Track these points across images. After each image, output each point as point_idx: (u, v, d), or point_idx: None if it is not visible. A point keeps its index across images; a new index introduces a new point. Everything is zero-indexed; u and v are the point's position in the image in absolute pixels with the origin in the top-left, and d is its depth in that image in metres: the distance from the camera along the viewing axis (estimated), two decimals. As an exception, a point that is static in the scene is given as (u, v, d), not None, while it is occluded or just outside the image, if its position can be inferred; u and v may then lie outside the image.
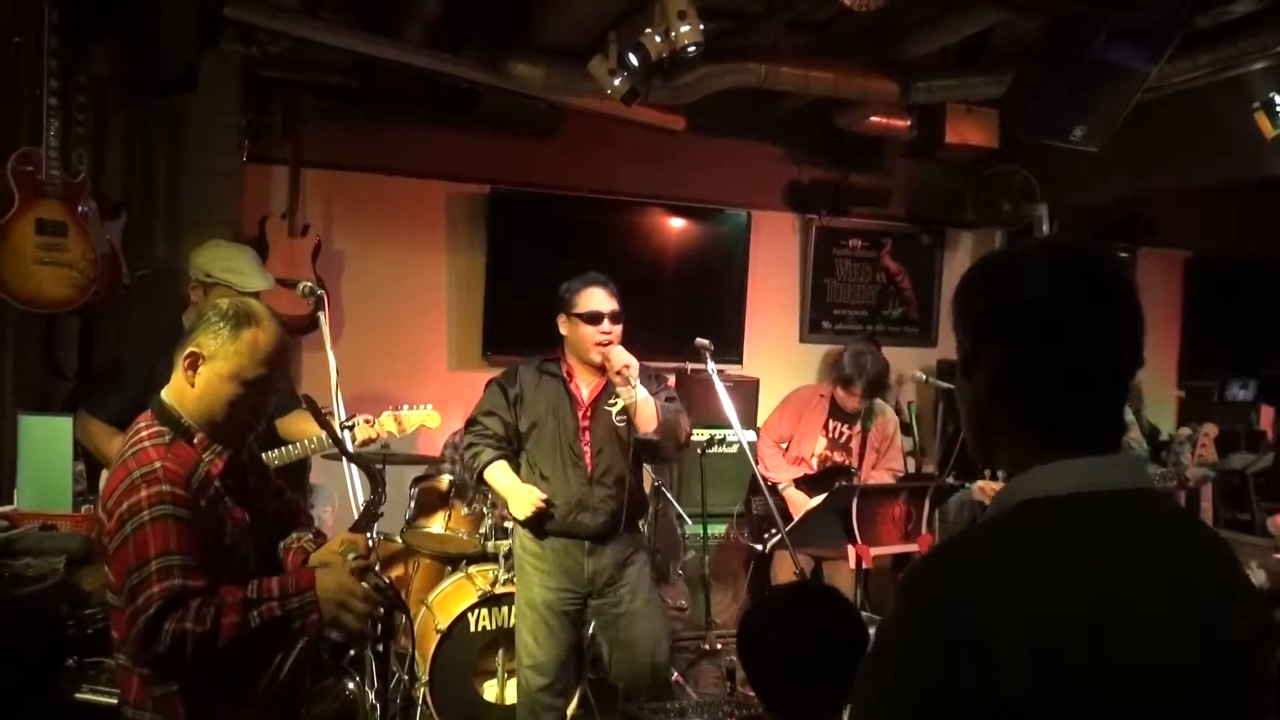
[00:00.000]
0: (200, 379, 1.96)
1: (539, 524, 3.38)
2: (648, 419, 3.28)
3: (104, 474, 2.65)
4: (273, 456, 3.42)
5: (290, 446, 3.49)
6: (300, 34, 4.31)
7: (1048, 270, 1.16)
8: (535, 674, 3.46)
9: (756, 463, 4.32)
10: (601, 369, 3.37)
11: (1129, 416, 4.20)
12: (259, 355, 1.96)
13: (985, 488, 4.00)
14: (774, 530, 4.41)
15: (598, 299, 3.34)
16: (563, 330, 3.42)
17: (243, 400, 1.97)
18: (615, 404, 3.37)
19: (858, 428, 4.49)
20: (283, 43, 4.45)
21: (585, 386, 3.43)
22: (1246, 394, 6.34)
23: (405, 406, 3.82)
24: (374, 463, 3.97)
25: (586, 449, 3.38)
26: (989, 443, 1.21)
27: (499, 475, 3.39)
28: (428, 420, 3.84)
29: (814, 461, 4.49)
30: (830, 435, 4.56)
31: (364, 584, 1.95)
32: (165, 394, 2.02)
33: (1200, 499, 4.33)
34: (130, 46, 3.89)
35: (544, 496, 3.31)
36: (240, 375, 1.95)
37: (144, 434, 1.96)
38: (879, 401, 4.62)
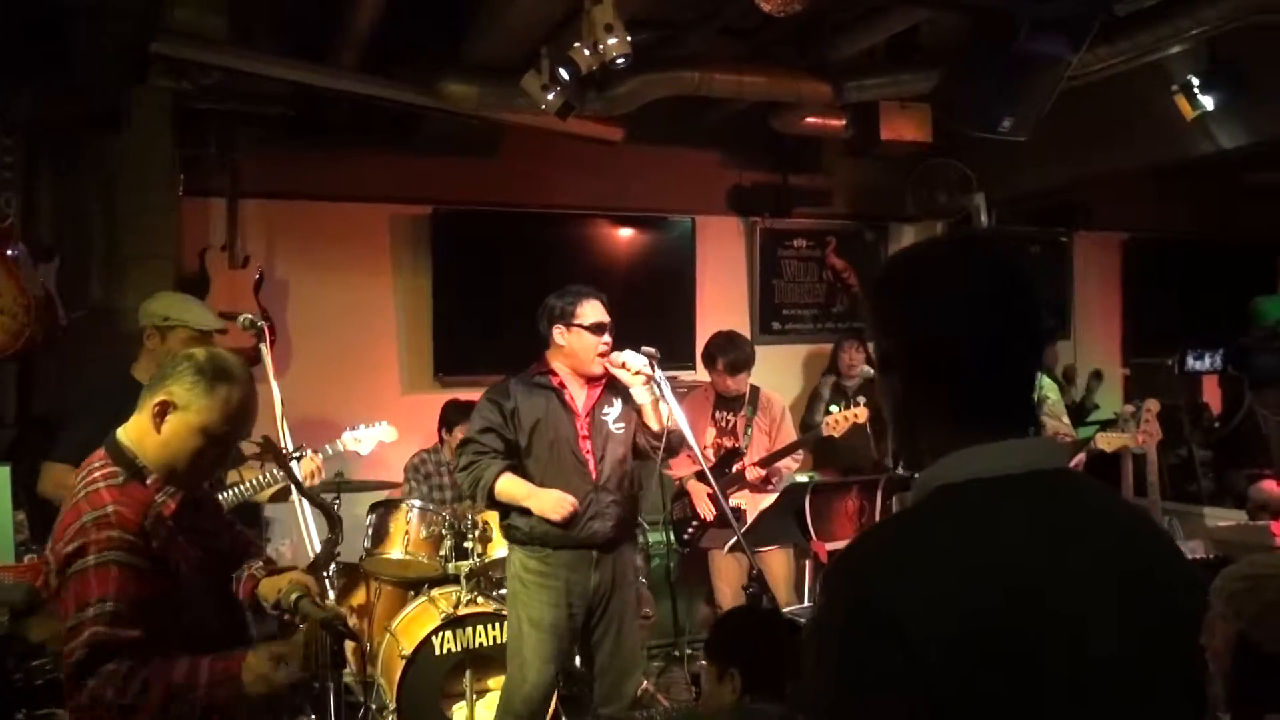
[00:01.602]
0: (168, 427, 1.96)
1: (553, 533, 3.35)
2: (661, 416, 3.43)
3: None
4: (225, 499, 3.34)
5: (237, 489, 3.38)
6: (230, 65, 4.28)
7: (947, 264, 1.20)
8: (532, 695, 3.42)
9: (666, 466, 4.45)
10: (595, 378, 3.48)
11: (1044, 393, 4.25)
12: (230, 412, 1.98)
13: None
14: (691, 530, 4.55)
15: (599, 310, 3.47)
16: (560, 341, 3.46)
17: (207, 452, 2.00)
18: (609, 412, 3.49)
19: (742, 413, 4.63)
20: (214, 75, 4.41)
21: (579, 396, 3.49)
22: (1203, 365, 6.44)
23: (361, 425, 3.83)
24: (330, 489, 3.99)
25: (589, 456, 3.44)
26: (911, 436, 1.22)
27: (513, 485, 3.36)
28: (384, 435, 3.87)
29: (710, 453, 4.58)
30: (718, 424, 4.69)
31: (282, 673, 1.91)
32: (122, 435, 2.01)
33: (1148, 472, 4.40)
34: (54, 88, 3.84)
35: (570, 497, 3.31)
36: (209, 429, 1.97)
37: (98, 474, 1.96)
38: (764, 391, 4.75)
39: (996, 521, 1.07)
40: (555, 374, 3.49)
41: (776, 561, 4.45)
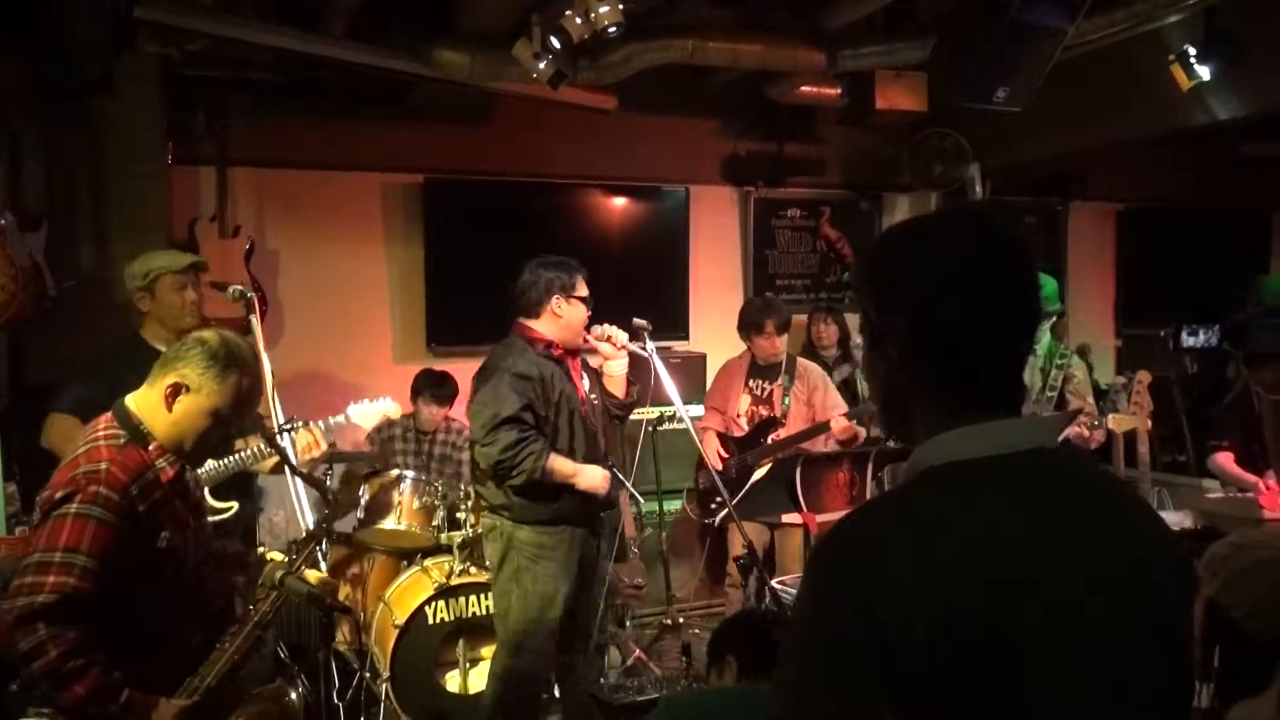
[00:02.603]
0: (179, 408, 2.08)
1: (577, 509, 3.40)
2: (624, 386, 3.60)
3: None
4: (214, 468, 3.30)
5: (239, 455, 3.29)
6: (217, 31, 4.23)
7: (946, 240, 1.18)
8: (541, 674, 3.51)
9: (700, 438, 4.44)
10: (575, 351, 3.51)
11: (1071, 370, 4.22)
12: (240, 398, 2.12)
13: None
14: (717, 502, 4.51)
15: (584, 283, 3.49)
16: (558, 312, 3.41)
17: (213, 432, 2.13)
18: (585, 383, 3.52)
19: (779, 382, 4.55)
20: (201, 41, 4.35)
21: (574, 368, 3.52)
22: (1197, 340, 6.45)
23: (365, 400, 3.78)
24: (323, 460, 3.97)
25: (593, 427, 3.49)
26: (901, 414, 1.20)
27: (562, 463, 3.36)
28: (388, 410, 3.82)
29: (743, 421, 4.56)
30: (753, 392, 4.63)
31: None
32: (131, 402, 2.12)
33: (1138, 444, 4.41)
34: (39, 54, 3.79)
35: (605, 470, 3.43)
36: (219, 413, 2.10)
37: (101, 433, 2.07)
38: (800, 359, 4.69)
39: (985, 505, 1.07)
40: (557, 346, 3.44)
41: (793, 535, 4.39)
